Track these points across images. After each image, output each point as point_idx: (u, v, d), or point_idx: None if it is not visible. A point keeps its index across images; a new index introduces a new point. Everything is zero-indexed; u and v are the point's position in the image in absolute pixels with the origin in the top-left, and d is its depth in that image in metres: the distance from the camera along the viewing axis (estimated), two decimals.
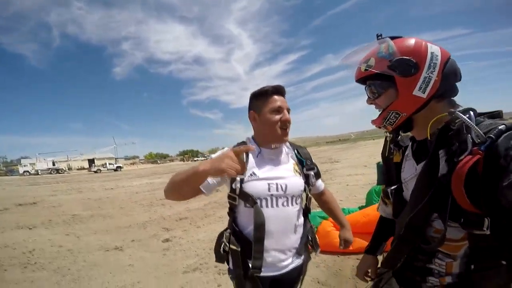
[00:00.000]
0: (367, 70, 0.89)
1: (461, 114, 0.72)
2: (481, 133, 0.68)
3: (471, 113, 0.73)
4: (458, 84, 0.87)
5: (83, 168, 62.36)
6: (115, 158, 74.48)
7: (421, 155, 0.91)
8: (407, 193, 0.95)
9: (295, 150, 1.41)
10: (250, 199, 1.21)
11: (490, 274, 0.77)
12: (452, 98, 0.88)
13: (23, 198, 10.99)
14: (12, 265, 3.70)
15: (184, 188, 1.11)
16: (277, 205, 1.24)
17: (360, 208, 4.23)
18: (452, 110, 0.76)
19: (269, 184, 1.23)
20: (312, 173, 1.37)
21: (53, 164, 56.45)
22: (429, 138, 0.83)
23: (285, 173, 1.29)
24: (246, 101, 1.37)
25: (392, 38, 0.87)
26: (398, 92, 0.85)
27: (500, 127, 0.68)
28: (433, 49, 0.82)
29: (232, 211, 1.29)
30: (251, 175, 1.24)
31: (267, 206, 1.23)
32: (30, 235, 5.24)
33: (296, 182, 1.29)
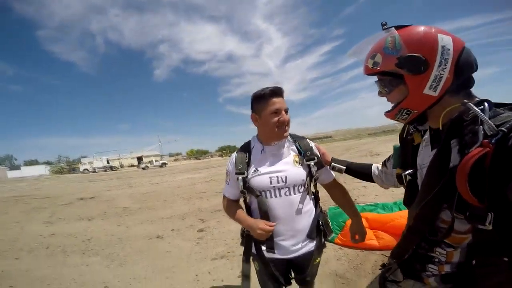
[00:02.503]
0: (375, 67, 0.86)
1: (473, 106, 0.69)
2: (493, 125, 0.65)
3: (486, 104, 0.70)
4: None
5: (133, 165, 67.28)
6: (161, 155, 79.30)
7: (436, 142, 0.87)
8: (421, 180, 0.91)
9: (296, 143, 1.49)
10: (254, 192, 1.40)
11: (491, 270, 0.75)
12: (469, 89, 0.82)
13: (83, 193, 12.49)
14: (73, 251, 4.33)
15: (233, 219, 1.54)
16: (280, 195, 1.38)
17: (396, 203, 4.02)
18: (465, 101, 0.72)
19: (270, 178, 1.38)
20: (312, 163, 1.43)
21: (107, 162, 62.38)
22: (440, 128, 0.81)
23: (285, 166, 1.40)
24: None
25: (399, 27, 0.82)
26: (408, 89, 0.82)
27: None
28: (444, 41, 0.75)
29: (245, 203, 1.52)
30: (254, 171, 1.41)
31: (271, 196, 1.38)
32: (89, 226, 6.01)
33: (296, 173, 1.40)
